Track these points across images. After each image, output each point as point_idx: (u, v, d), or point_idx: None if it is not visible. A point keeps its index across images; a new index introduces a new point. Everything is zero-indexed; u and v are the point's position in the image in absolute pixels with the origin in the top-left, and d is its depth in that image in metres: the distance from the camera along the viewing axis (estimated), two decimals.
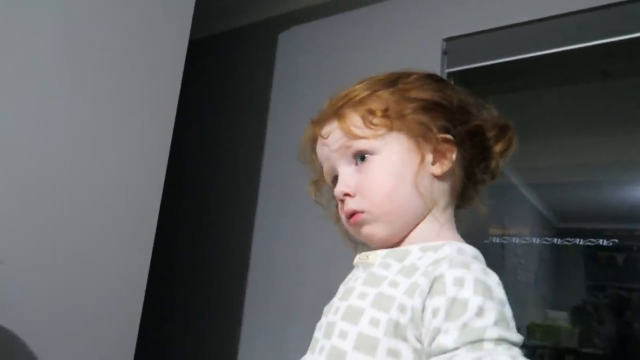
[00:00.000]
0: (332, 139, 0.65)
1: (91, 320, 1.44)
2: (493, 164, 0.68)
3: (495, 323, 0.49)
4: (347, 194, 0.64)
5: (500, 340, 0.48)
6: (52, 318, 1.36)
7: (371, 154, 0.63)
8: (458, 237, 0.66)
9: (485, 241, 3.05)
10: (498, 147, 0.67)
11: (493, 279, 0.54)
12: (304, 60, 2.60)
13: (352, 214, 0.64)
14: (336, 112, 0.65)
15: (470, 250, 0.61)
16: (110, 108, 1.56)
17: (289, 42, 2.73)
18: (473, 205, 0.70)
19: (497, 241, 3.10)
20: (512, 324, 0.51)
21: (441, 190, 0.64)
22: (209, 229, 2.69)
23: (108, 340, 1.48)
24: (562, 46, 1.94)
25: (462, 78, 2.23)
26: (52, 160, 1.42)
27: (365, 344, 0.55)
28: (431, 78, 0.68)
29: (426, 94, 0.64)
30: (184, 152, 2.14)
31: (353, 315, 0.59)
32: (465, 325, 0.49)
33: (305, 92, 2.51)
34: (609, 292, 3.04)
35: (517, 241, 3.06)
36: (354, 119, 0.64)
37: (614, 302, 2.96)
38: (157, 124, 1.68)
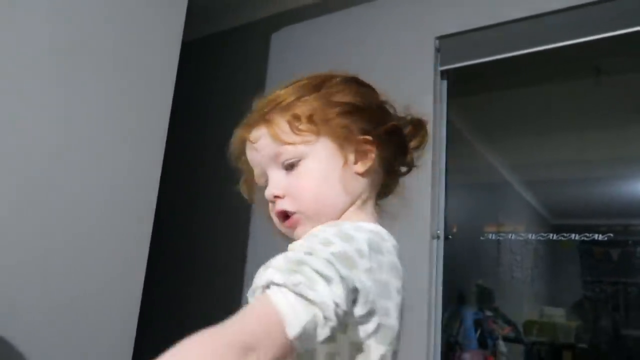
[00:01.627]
0: (261, 145, 0.69)
1: (89, 318, 1.44)
2: (409, 157, 0.75)
3: (334, 254, 0.51)
4: (277, 196, 0.69)
5: (328, 262, 0.49)
6: (49, 317, 1.35)
7: (299, 159, 0.67)
8: (371, 220, 0.70)
9: (481, 238, 3.05)
10: (414, 143, 0.75)
11: (362, 235, 0.57)
12: (296, 60, 2.60)
13: (283, 214, 0.69)
14: (264, 117, 0.69)
15: (370, 226, 0.64)
16: (105, 110, 1.56)
17: (281, 42, 2.72)
18: (392, 193, 0.78)
19: (493, 238, 3.11)
20: (356, 272, 0.52)
21: (364, 186, 0.69)
22: (205, 228, 2.68)
23: (106, 339, 1.48)
24: (554, 43, 1.95)
25: (456, 76, 2.23)
26: (48, 160, 1.41)
27: None
28: (353, 81, 0.73)
29: (348, 98, 0.68)
30: (178, 151, 2.13)
31: None
32: (306, 246, 0.52)
33: None
34: (604, 287, 3.05)
35: (512, 238, 3.07)
36: (282, 125, 0.67)
37: (610, 297, 2.97)
38: (152, 124, 1.68)
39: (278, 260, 0.51)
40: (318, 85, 0.69)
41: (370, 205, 0.72)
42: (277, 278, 0.48)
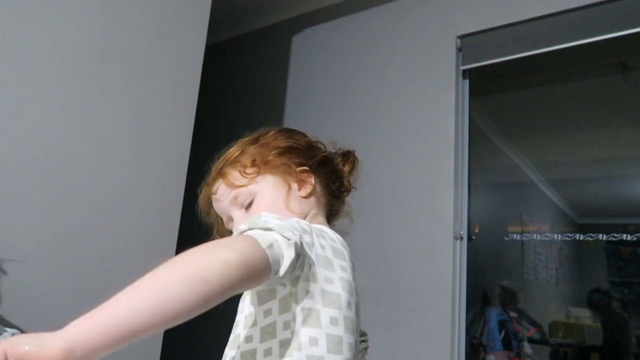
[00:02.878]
0: (221, 194, 0.84)
1: None
2: (346, 181, 0.89)
3: (275, 225, 0.60)
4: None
5: (268, 229, 0.60)
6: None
7: (252, 197, 0.81)
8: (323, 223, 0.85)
9: (505, 238, 3.02)
10: (346, 168, 0.90)
11: (297, 220, 0.69)
12: (318, 61, 2.61)
13: None
14: (219, 172, 0.85)
15: (320, 226, 0.77)
16: (134, 111, 1.59)
17: (302, 43, 2.74)
18: (342, 216, 0.91)
19: (518, 238, 3.07)
20: (299, 238, 0.62)
21: (310, 205, 0.83)
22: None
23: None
24: (578, 40, 1.92)
25: (478, 74, 2.22)
26: (76, 163, 1.45)
27: None
28: (284, 131, 0.90)
29: (281, 142, 0.85)
30: (203, 153, 2.16)
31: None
32: (251, 220, 0.62)
33: (320, 92, 2.52)
34: (633, 288, 2.99)
35: (537, 238, 3.03)
36: (233, 174, 0.83)
37: (638, 297, 2.91)
38: (177, 125, 1.71)
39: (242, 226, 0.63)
40: (256, 138, 0.87)
41: (319, 219, 0.84)
42: (243, 227, 0.61)
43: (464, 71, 2.18)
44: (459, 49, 2.19)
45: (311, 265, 0.65)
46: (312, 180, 0.84)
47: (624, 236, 2.93)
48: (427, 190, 2.09)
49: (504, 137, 3.05)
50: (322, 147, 0.92)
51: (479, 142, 2.33)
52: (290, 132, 0.91)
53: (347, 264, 0.72)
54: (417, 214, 2.08)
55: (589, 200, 3.34)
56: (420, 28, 2.30)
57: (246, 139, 0.89)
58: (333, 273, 0.68)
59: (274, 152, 0.84)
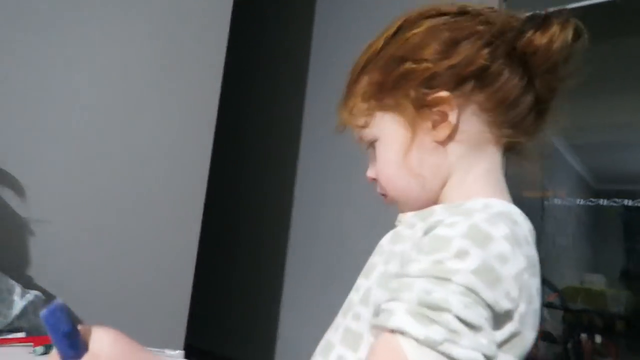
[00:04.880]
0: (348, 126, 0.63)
1: (144, 289, 1.44)
2: (550, 78, 0.55)
3: (475, 272, 0.41)
4: (373, 179, 0.62)
5: (468, 290, 0.41)
6: (105, 289, 1.34)
7: (372, 140, 0.59)
8: (496, 191, 0.55)
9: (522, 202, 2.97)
10: (547, 41, 0.51)
11: (499, 230, 0.45)
12: (345, 12, 2.50)
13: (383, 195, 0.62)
14: (345, 94, 0.61)
15: (500, 206, 0.50)
16: (162, 66, 1.53)
17: None
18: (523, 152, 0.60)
19: (535, 203, 3.02)
20: (507, 285, 0.42)
21: (457, 155, 0.55)
22: (250, 193, 2.66)
23: (162, 305, 1.48)
24: None
25: None
26: (106, 122, 1.37)
27: (366, 299, 0.53)
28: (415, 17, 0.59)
29: (393, 49, 0.57)
30: (230, 110, 2.07)
31: (368, 271, 0.56)
32: (438, 261, 0.42)
33: (347, 46, 2.41)
34: None
35: (557, 202, 2.99)
36: (350, 104, 0.60)
37: None
38: (206, 80, 1.66)
39: (408, 297, 0.42)
40: (384, 45, 0.57)
41: (484, 170, 0.56)
42: (413, 329, 0.40)
43: None
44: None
45: (515, 320, 0.45)
46: (453, 112, 0.53)
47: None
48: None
49: None
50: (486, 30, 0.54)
51: None
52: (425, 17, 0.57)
53: (539, 280, 0.49)
54: None
55: (606, 166, 3.29)
56: None
57: (381, 33, 0.59)
58: (530, 306, 0.46)
59: (396, 72, 0.54)
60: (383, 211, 0.68)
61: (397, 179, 0.57)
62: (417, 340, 0.40)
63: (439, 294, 0.41)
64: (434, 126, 0.54)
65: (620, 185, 3.15)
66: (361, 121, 0.58)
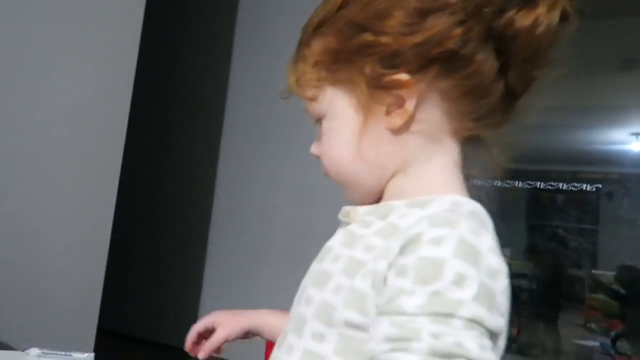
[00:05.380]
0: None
1: (57, 271, 1.38)
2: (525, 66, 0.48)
3: (475, 298, 0.40)
4: (317, 157, 0.55)
5: (473, 322, 0.39)
6: (15, 272, 1.29)
7: (319, 116, 0.52)
8: (457, 187, 0.51)
9: None
10: (529, 23, 0.45)
11: (485, 242, 0.43)
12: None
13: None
14: (295, 55, 0.53)
15: (469, 206, 0.47)
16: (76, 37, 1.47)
17: None
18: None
19: None
20: (499, 301, 0.42)
21: (415, 145, 0.50)
22: (171, 165, 2.54)
23: (75, 287, 1.41)
24: None
25: None
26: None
27: (324, 314, 0.47)
28: None
29: (354, 13, 0.49)
30: (147, 85, 1.93)
31: (321, 280, 0.49)
32: (437, 293, 0.40)
33: (273, 23, 2.34)
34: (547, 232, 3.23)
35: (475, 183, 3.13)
36: (298, 70, 0.52)
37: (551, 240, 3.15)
38: (120, 56, 1.59)
39: (417, 348, 0.39)
40: (344, 1, 0.49)
41: (444, 161, 0.51)
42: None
43: None
44: None
45: (504, 335, 0.44)
46: (410, 99, 0.47)
47: (538, 184, 3.11)
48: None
49: None
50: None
51: None
52: None
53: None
54: None
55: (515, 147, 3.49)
56: None
57: None
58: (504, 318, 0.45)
59: (353, 43, 0.48)
60: (313, 191, 0.63)
61: (346, 163, 0.52)
62: None
63: (450, 337, 0.38)
64: (388, 112, 0.48)
65: (531, 166, 3.33)
66: (309, 93, 0.51)
